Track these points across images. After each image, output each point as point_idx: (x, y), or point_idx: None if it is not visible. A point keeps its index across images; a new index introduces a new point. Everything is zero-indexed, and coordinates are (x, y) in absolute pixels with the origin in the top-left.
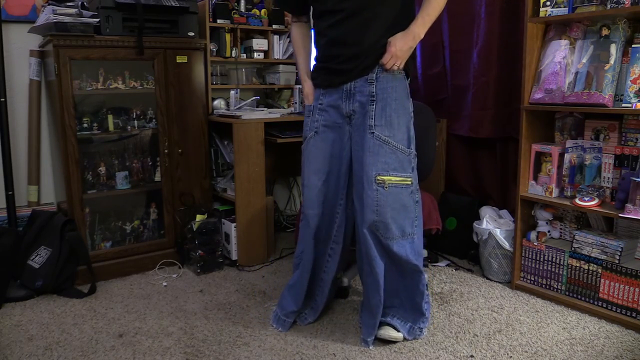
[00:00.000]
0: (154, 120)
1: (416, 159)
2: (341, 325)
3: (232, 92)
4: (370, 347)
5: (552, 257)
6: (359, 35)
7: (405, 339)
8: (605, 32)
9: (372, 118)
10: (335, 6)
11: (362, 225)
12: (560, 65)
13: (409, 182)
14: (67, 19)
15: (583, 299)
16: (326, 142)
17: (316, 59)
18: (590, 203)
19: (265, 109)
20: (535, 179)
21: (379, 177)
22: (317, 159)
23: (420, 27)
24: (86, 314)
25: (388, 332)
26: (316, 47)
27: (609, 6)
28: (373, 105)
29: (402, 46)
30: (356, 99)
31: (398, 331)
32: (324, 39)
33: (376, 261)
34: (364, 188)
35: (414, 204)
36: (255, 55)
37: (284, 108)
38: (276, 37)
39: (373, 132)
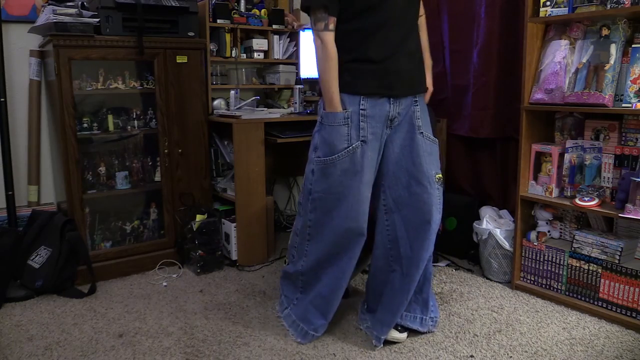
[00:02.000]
0: (154, 120)
1: None
2: (341, 325)
3: (232, 92)
4: (381, 346)
5: (552, 257)
6: (412, 32)
7: (420, 333)
8: (605, 32)
9: (418, 119)
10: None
11: (431, 225)
12: (560, 65)
13: None
14: (67, 19)
15: (583, 299)
16: (374, 152)
17: (363, 60)
18: (590, 203)
19: (265, 109)
20: (535, 179)
21: (437, 176)
22: (368, 170)
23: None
24: (86, 314)
25: (391, 334)
26: (355, 47)
27: (609, 6)
28: (417, 106)
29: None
30: (402, 101)
31: (401, 332)
32: (373, 38)
33: (424, 263)
34: (425, 189)
35: None
36: (255, 55)
37: (284, 108)
38: (276, 37)
39: (422, 133)
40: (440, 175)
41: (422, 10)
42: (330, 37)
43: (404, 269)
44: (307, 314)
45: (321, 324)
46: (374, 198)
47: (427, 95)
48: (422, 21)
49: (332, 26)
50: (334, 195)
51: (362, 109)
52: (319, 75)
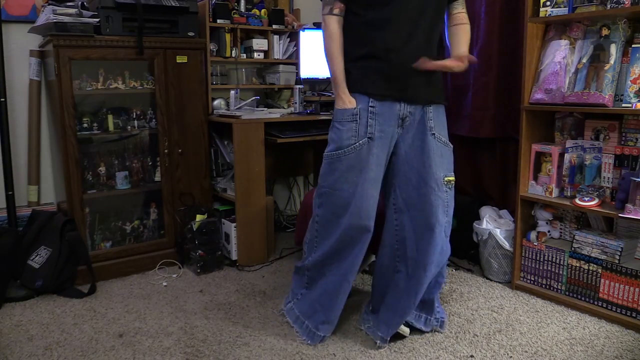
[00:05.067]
0: (154, 120)
1: None
2: (341, 325)
3: (232, 92)
4: (386, 346)
5: (552, 257)
6: (427, 34)
7: (420, 332)
8: (605, 32)
9: (431, 119)
10: None
11: (435, 228)
12: (560, 65)
13: None
14: (67, 19)
15: (583, 299)
16: (382, 150)
17: (372, 56)
18: (590, 203)
19: (265, 109)
20: (535, 179)
21: (446, 179)
22: (373, 167)
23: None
24: (86, 314)
25: None
26: (365, 42)
27: (609, 6)
28: (430, 106)
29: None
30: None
31: (407, 326)
32: (382, 34)
33: (431, 266)
34: (432, 190)
35: None
36: (255, 55)
37: (284, 108)
38: (276, 37)
39: (434, 134)
40: (450, 179)
41: (465, 19)
42: (332, 19)
43: (410, 270)
44: (312, 311)
45: (322, 321)
46: (385, 197)
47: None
48: (464, 28)
49: (336, 11)
50: (339, 192)
51: (371, 106)
52: (325, 57)
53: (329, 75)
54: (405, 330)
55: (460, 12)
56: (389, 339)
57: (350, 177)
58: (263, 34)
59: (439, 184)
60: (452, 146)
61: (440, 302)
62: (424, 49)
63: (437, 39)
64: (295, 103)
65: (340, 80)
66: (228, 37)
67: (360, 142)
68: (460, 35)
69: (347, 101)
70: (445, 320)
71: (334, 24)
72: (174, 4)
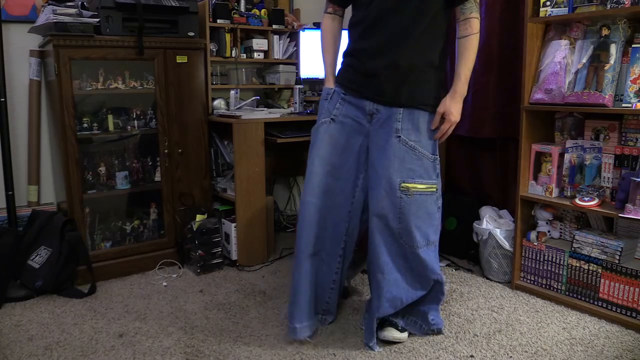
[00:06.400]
0: (154, 120)
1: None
2: (341, 325)
3: (232, 92)
4: (375, 350)
5: (552, 257)
6: (398, 37)
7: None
8: (605, 32)
9: (399, 121)
10: None
11: (377, 230)
12: (560, 65)
13: (434, 189)
14: (67, 19)
15: (583, 299)
16: (341, 135)
17: (351, 54)
18: (590, 203)
19: (265, 109)
20: (535, 179)
21: (403, 185)
22: (326, 147)
23: (464, 86)
24: (86, 314)
25: (392, 334)
26: (350, 40)
27: (609, 6)
28: (400, 109)
29: (457, 113)
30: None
31: (402, 331)
32: (358, 30)
33: (386, 268)
34: (385, 194)
35: (437, 211)
36: (255, 55)
37: (284, 108)
38: (276, 37)
39: (399, 137)
40: (409, 185)
41: (470, 29)
42: (325, 18)
43: (374, 272)
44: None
45: (288, 313)
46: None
47: (437, 118)
48: (464, 42)
49: (329, 10)
50: (307, 168)
51: (343, 93)
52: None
53: None
54: (401, 337)
55: (465, 19)
56: (373, 344)
57: (312, 152)
58: (263, 34)
59: (393, 189)
60: (429, 154)
61: (439, 313)
62: (395, 51)
63: (419, 40)
64: (295, 103)
65: (328, 73)
66: (228, 37)
67: (323, 119)
68: (460, 54)
69: (328, 82)
70: (442, 328)
71: (325, 20)
72: (174, 4)
